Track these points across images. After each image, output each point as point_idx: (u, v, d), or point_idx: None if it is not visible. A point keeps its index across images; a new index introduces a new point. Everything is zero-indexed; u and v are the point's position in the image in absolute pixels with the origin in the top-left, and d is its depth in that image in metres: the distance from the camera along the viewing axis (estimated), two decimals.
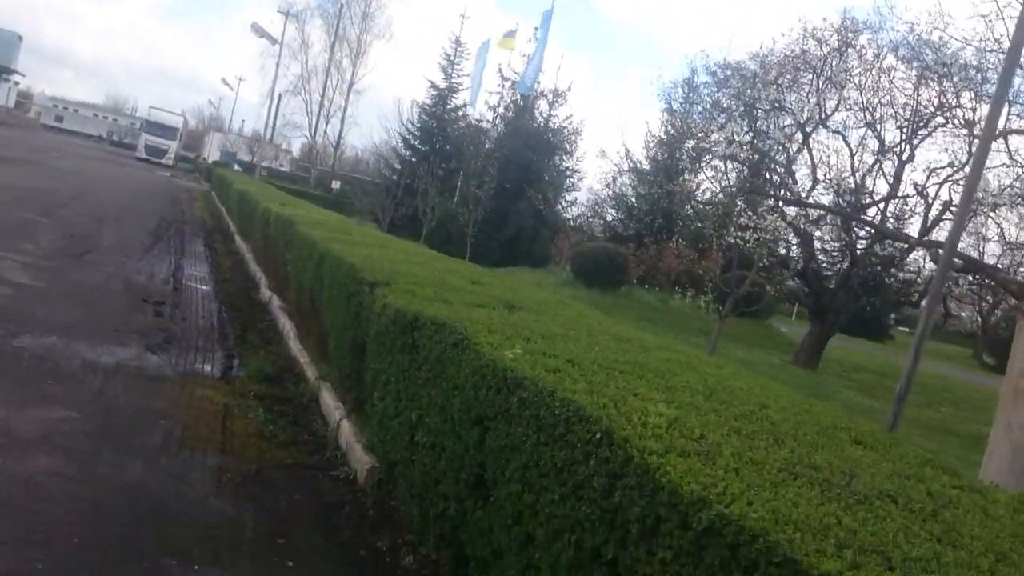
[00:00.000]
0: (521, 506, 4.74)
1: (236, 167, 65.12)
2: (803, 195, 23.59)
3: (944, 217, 22.04)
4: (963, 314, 52.59)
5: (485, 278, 11.16)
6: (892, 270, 26.28)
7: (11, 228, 19.11)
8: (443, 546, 6.04)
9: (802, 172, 25.74)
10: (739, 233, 17.86)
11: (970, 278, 21.42)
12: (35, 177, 33.81)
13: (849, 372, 30.08)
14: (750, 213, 17.99)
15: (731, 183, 23.21)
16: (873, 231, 22.12)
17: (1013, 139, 19.19)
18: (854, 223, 22.59)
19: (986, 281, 21.25)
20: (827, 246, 28.52)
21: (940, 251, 11.65)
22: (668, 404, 4.82)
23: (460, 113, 49.02)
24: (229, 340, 13.56)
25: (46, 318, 11.92)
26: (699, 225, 21.50)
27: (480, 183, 34.18)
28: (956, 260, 11.25)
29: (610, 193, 41.82)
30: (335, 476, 8.47)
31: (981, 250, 31.99)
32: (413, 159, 46.71)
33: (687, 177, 31.49)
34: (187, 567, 5.84)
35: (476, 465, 5.35)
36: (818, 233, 25.62)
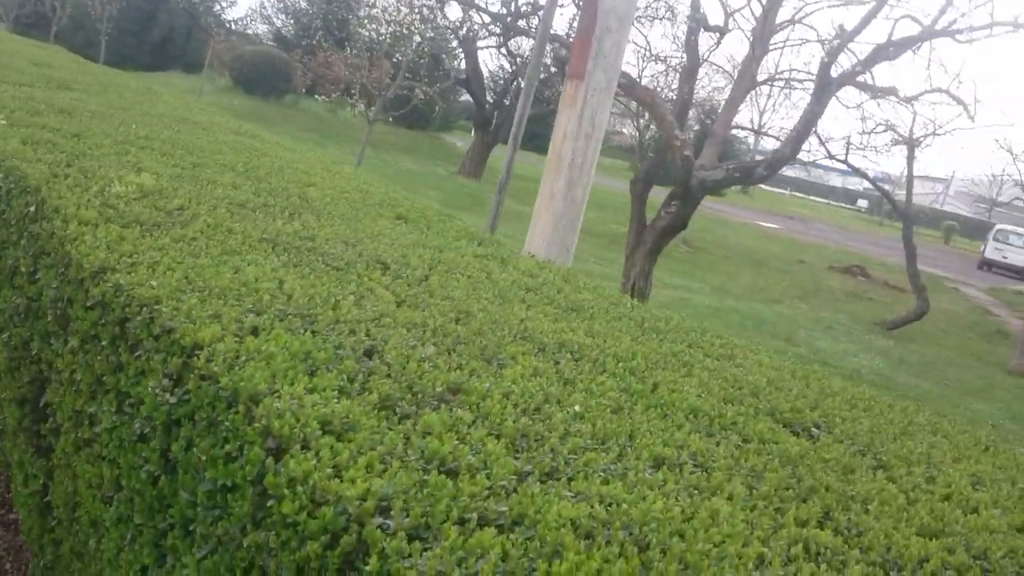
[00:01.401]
0: None
1: None
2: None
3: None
4: (624, 130, 55.92)
5: (60, 62, 9.61)
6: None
7: None
8: None
9: None
10: (372, 26, 17.01)
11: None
12: None
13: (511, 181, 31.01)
14: (385, 6, 17.16)
15: None
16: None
17: None
18: (512, 33, 22.53)
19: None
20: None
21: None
22: (158, 177, 4.07)
23: None
24: None
25: None
26: (373, 34, 20.27)
27: None
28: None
29: None
30: None
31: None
32: None
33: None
34: None
35: None
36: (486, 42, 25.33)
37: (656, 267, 13.73)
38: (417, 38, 17.60)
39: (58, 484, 3.16)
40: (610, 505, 1.87)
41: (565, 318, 3.44)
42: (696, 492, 2.07)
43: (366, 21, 17.80)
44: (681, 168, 11.44)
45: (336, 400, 2.09)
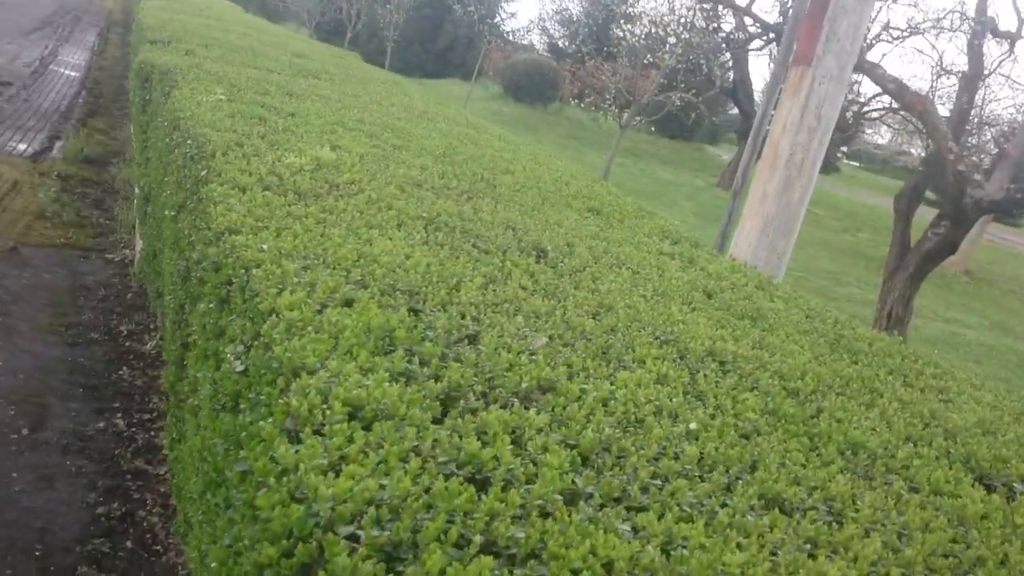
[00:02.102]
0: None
1: None
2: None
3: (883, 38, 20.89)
4: (912, 150, 51.96)
5: (319, 56, 10.17)
6: None
7: None
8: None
9: None
10: (628, 26, 16.67)
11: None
12: None
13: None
14: (639, 6, 16.75)
15: None
16: None
17: None
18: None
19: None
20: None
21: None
22: (340, 152, 4.04)
23: None
24: (68, 123, 12.46)
25: None
26: (627, 35, 19.97)
27: None
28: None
29: (555, 7, 39.59)
30: (109, 259, 7.77)
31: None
32: None
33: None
34: None
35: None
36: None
37: (928, 297, 12.38)
38: (672, 39, 17.06)
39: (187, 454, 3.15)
40: (674, 549, 1.46)
41: (733, 326, 2.97)
42: (806, 547, 1.59)
43: (622, 21, 17.54)
44: (953, 185, 10.18)
45: (389, 383, 1.82)
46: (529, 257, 3.21)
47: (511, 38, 39.73)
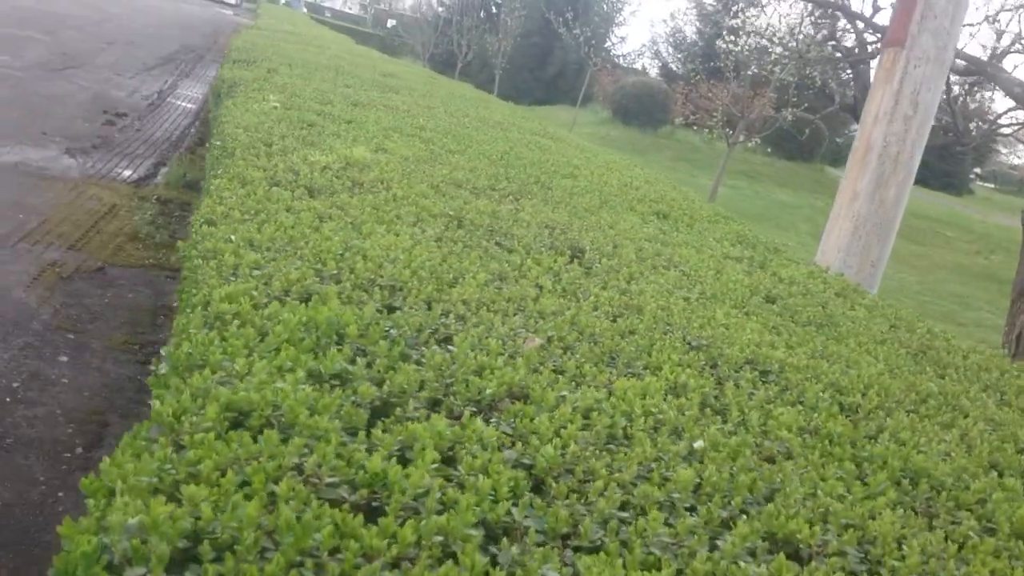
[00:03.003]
0: None
1: (302, 8, 63.65)
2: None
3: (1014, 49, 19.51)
4: None
5: (407, 75, 10.11)
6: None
7: None
8: None
9: None
10: (731, 37, 15.97)
11: None
12: (60, 3, 32.88)
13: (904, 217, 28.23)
14: (745, 14, 16.01)
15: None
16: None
17: None
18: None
19: None
20: None
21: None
22: (376, 151, 3.79)
23: None
24: (176, 151, 12.82)
25: None
26: (731, 47, 19.07)
27: (511, 10, 31.93)
28: None
29: (667, 30, 39.01)
30: None
31: None
32: None
33: (752, 12, 28.71)
34: None
35: None
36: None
37: None
38: (779, 49, 16.20)
39: None
40: None
41: (792, 332, 2.52)
42: None
43: (724, 33, 16.89)
44: None
45: (311, 386, 1.49)
46: (561, 256, 2.85)
47: (621, 62, 39.36)
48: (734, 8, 16.35)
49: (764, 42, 15.99)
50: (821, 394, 2.00)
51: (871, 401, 2.02)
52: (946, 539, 1.44)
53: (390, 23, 56.94)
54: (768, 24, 15.80)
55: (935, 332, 2.93)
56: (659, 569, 1.17)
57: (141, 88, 19.02)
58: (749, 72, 16.58)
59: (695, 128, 29.92)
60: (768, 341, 2.32)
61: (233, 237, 2.21)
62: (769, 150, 28.40)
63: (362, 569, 1.03)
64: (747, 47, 15.51)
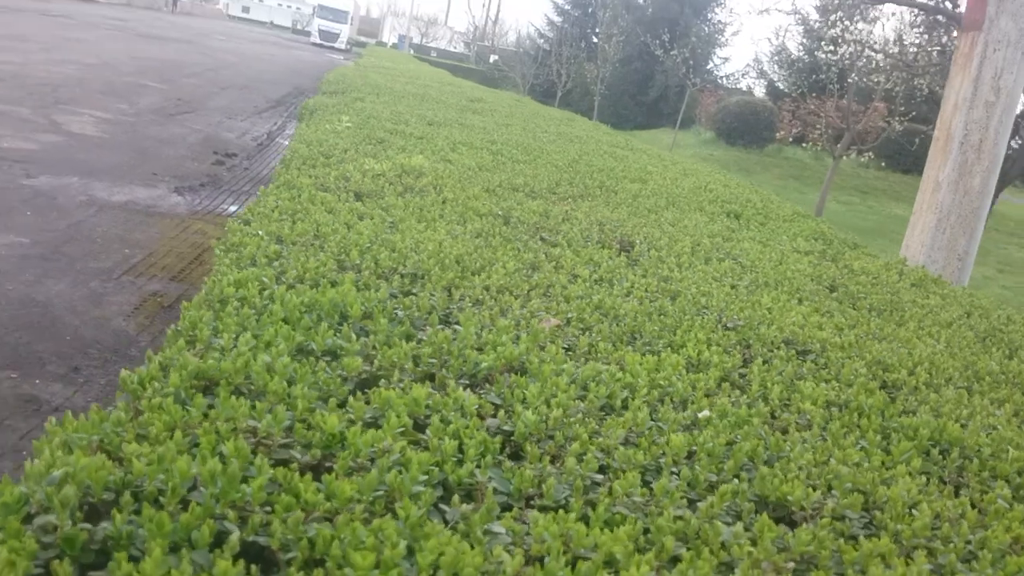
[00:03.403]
0: None
1: (409, 50, 65.38)
2: None
3: None
4: None
5: (493, 100, 10.21)
6: None
7: (114, 90, 19.47)
8: None
9: None
10: (830, 47, 15.41)
11: None
12: (179, 53, 34.43)
13: (1018, 228, 26.78)
14: (845, 23, 15.43)
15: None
16: None
17: None
18: None
19: None
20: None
21: None
22: (434, 160, 3.82)
23: None
24: None
25: (82, 162, 11.89)
26: (829, 56, 18.27)
27: (609, 36, 31.85)
28: None
29: (771, 48, 38.25)
30: None
31: None
32: (565, 25, 44.61)
33: (860, 27, 27.79)
34: (36, 370, 5.53)
35: None
36: None
37: None
38: (880, 57, 15.48)
39: None
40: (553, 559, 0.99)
41: (847, 316, 2.38)
42: (797, 567, 1.06)
43: (823, 43, 16.34)
44: None
45: (293, 359, 1.47)
46: (607, 249, 2.77)
47: (724, 83, 38.77)
48: (833, 18, 15.75)
49: (867, 52, 15.43)
50: (861, 371, 1.87)
51: (919, 377, 1.88)
52: (973, 507, 1.31)
53: (492, 58, 57.88)
54: (870, 31, 15.26)
55: (1013, 319, 2.72)
56: (618, 526, 1.09)
57: (251, 130, 19.87)
58: (850, 80, 16.02)
59: (803, 145, 29.19)
60: (815, 322, 2.19)
61: (261, 232, 2.23)
62: (882, 164, 27.38)
63: (290, 519, 0.99)
64: (847, 56, 14.99)
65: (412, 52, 61.38)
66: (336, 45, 77.28)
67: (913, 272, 3.28)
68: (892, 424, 1.58)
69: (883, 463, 1.41)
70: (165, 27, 51.27)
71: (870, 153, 19.95)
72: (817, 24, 34.01)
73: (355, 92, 7.89)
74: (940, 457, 1.49)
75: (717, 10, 39.22)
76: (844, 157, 22.98)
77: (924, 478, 1.38)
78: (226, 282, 1.79)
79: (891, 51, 15.46)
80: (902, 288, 2.93)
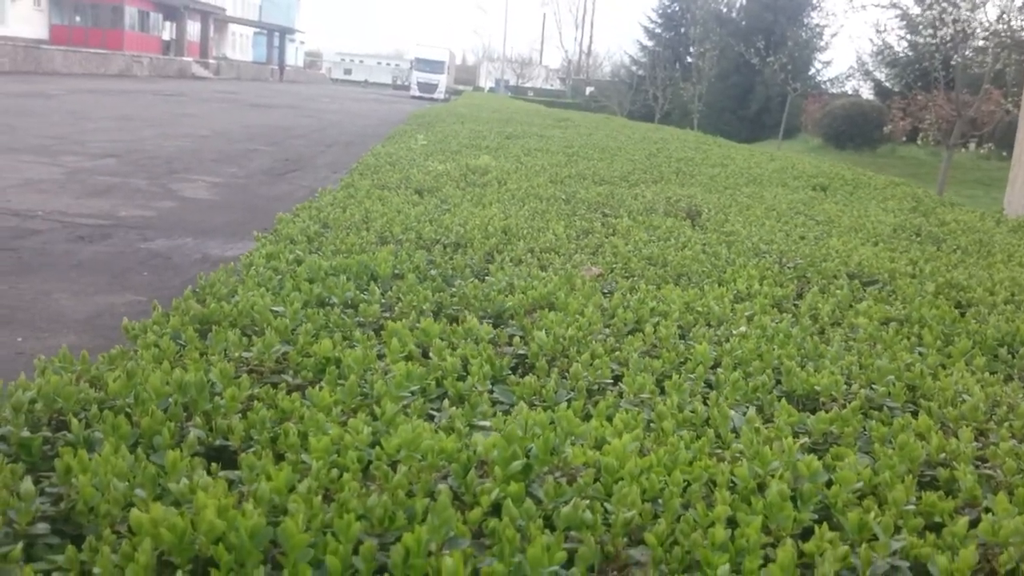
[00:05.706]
0: None
1: (506, 92, 66.36)
2: None
3: None
4: None
5: (581, 120, 10.23)
6: None
7: (226, 157, 20.38)
8: None
9: None
10: (929, 30, 14.65)
11: None
12: (285, 118, 35.83)
13: None
14: (943, 4, 14.64)
15: None
16: None
17: None
18: None
19: None
20: None
21: None
22: (507, 161, 3.82)
23: None
24: None
25: (195, 224, 12.42)
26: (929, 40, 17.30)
27: (702, 52, 31.42)
28: None
29: (873, 48, 36.97)
30: None
31: None
32: (657, 48, 44.41)
33: (966, 15, 26.63)
34: None
35: None
36: None
37: None
38: (980, 41, 14.65)
39: None
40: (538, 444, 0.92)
41: (926, 254, 2.22)
42: (813, 444, 0.96)
43: (921, 27, 15.63)
44: None
45: (310, 308, 1.45)
46: (671, 218, 2.68)
47: (828, 88, 37.72)
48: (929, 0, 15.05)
49: (973, 28, 14.66)
50: (931, 293, 1.72)
51: (998, 296, 1.72)
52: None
53: (588, 90, 58.05)
54: (971, 10, 14.49)
55: None
56: (630, 425, 1.01)
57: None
58: (953, 63, 15.26)
59: (917, 142, 28.03)
60: (887, 257, 2.04)
61: (307, 219, 2.24)
62: (1003, 154, 26.04)
63: (253, 416, 0.97)
64: (947, 38, 14.28)
65: (510, 94, 62.12)
66: (435, 96, 78.90)
67: (1014, 221, 3.06)
68: (956, 330, 1.44)
69: (942, 364, 1.28)
70: (273, 95, 53.41)
71: (990, 144, 18.93)
72: (916, 15, 32.77)
73: (439, 121, 8.02)
74: (1009, 356, 1.34)
75: (813, 14, 38.34)
76: (962, 149, 21.88)
77: (986, 374, 1.25)
78: (258, 255, 1.80)
79: (997, 28, 14.67)
80: (996, 234, 2.73)
